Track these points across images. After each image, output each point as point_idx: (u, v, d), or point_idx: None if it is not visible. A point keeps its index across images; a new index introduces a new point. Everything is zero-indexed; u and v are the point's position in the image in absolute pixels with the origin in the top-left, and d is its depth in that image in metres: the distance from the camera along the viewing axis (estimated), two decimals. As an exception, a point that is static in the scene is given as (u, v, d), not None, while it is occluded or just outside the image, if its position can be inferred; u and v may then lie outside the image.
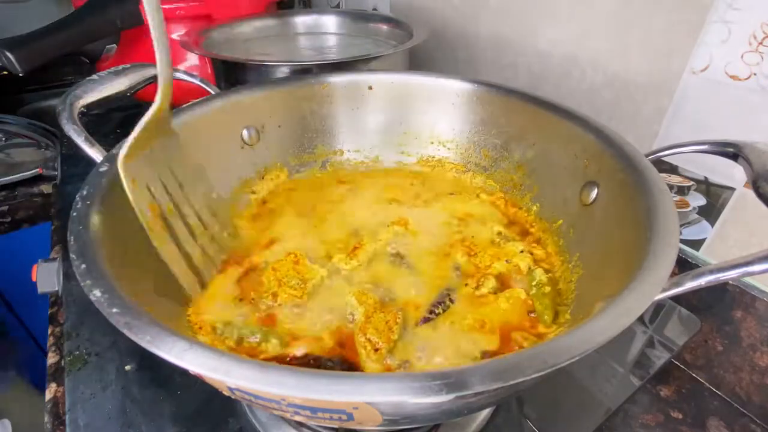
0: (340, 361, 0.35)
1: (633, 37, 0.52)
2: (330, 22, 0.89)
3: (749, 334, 0.47)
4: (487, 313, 0.38)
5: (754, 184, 0.30)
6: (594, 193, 0.42)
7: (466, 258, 0.44)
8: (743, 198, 0.46)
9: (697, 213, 0.50)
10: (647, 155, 0.39)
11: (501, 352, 0.36)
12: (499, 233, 0.47)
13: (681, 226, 0.51)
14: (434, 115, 0.58)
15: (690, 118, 0.49)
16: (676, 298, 0.52)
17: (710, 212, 0.49)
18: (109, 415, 0.40)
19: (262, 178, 0.56)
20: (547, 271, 0.43)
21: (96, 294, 0.25)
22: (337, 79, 0.57)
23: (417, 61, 0.86)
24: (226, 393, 0.24)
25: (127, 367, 0.44)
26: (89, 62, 0.93)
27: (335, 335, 0.37)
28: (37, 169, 0.80)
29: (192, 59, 0.83)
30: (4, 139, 0.92)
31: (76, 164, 0.78)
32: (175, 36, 0.81)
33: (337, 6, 1.08)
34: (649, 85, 0.51)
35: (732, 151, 0.35)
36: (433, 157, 0.59)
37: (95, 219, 0.32)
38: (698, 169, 0.49)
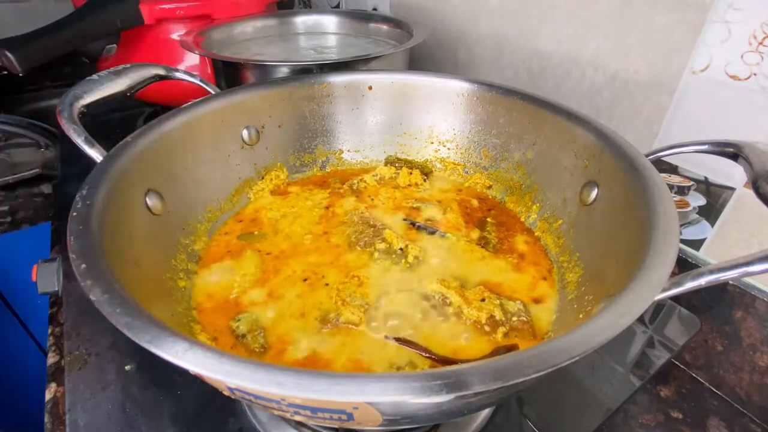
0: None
1: (633, 37, 0.52)
2: (330, 22, 0.89)
3: (749, 334, 0.47)
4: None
5: (754, 184, 0.30)
6: (594, 193, 0.42)
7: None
8: (743, 198, 0.46)
9: (697, 213, 0.50)
10: (647, 155, 0.39)
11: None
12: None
13: (681, 226, 0.51)
14: (434, 115, 0.58)
15: (690, 118, 0.49)
16: (676, 298, 0.52)
17: (710, 212, 0.49)
18: (109, 415, 0.40)
19: (262, 178, 0.56)
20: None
21: (96, 294, 0.25)
22: (337, 79, 0.57)
23: (417, 61, 0.86)
24: (226, 393, 0.24)
25: (127, 367, 0.44)
26: (89, 62, 0.93)
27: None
28: (37, 169, 0.80)
29: (192, 59, 0.83)
30: (4, 139, 0.92)
31: (76, 164, 0.78)
32: (175, 36, 0.81)
33: (337, 6, 1.08)
34: (649, 84, 0.51)
35: (732, 151, 0.35)
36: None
37: (95, 219, 0.32)
38: (698, 169, 0.49)
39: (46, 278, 0.54)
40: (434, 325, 0.39)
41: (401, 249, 0.46)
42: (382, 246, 0.46)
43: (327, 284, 0.43)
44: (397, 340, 0.37)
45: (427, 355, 0.36)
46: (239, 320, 0.39)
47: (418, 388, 0.20)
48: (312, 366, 0.35)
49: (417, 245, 0.46)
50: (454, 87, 0.55)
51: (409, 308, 0.40)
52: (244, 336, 0.38)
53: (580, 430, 0.41)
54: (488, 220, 0.51)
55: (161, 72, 0.50)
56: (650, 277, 0.26)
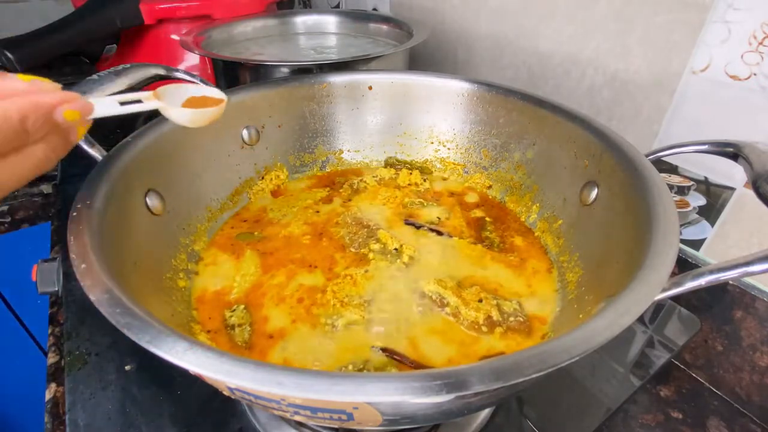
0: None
1: (633, 37, 0.52)
2: (330, 22, 0.89)
3: (749, 334, 0.47)
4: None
5: (754, 184, 0.30)
6: (594, 193, 0.42)
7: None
8: (743, 198, 0.46)
9: (697, 213, 0.50)
10: (647, 155, 0.39)
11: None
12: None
13: (681, 226, 0.51)
14: (434, 115, 0.58)
15: (690, 117, 0.49)
16: (676, 298, 0.52)
17: (710, 212, 0.49)
18: (109, 415, 0.40)
19: (262, 178, 0.56)
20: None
21: (96, 294, 0.25)
22: (337, 79, 0.57)
23: (417, 61, 0.86)
24: (226, 393, 0.24)
25: (127, 367, 0.44)
26: (89, 62, 0.93)
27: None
28: (37, 169, 0.80)
29: (192, 59, 0.83)
30: (4, 139, 0.91)
31: (76, 164, 0.78)
32: (175, 36, 0.81)
33: (337, 6, 1.08)
34: (649, 84, 0.51)
35: (732, 151, 0.35)
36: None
37: (95, 219, 0.32)
38: (698, 169, 0.49)
39: (46, 278, 0.54)
40: (431, 326, 0.39)
41: (396, 249, 0.46)
42: (376, 246, 0.46)
43: (324, 285, 0.43)
44: (384, 351, 0.37)
45: (415, 366, 0.35)
46: (234, 311, 0.40)
47: (418, 388, 0.20)
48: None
49: (413, 245, 0.46)
50: (454, 87, 0.55)
51: (405, 309, 0.40)
52: (233, 327, 0.38)
53: (580, 430, 0.41)
54: (488, 219, 0.51)
55: (161, 72, 0.50)
56: (650, 277, 0.26)
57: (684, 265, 0.51)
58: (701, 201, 0.49)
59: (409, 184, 0.57)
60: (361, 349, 0.37)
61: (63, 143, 0.27)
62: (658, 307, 0.53)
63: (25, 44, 0.65)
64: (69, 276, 0.54)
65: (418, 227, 0.50)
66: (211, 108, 0.33)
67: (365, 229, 0.49)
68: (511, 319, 0.39)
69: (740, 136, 0.42)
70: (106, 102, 0.29)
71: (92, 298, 0.25)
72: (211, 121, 0.34)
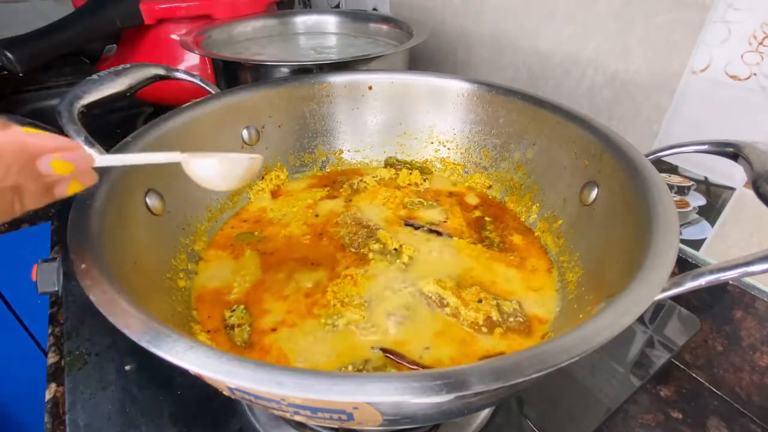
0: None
1: (633, 37, 0.52)
2: (330, 22, 0.89)
3: (749, 334, 0.47)
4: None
5: (754, 184, 0.30)
6: (594, 193, 0.42)
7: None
8: (743, 198, 0.46)
9: (697, 213, 0.50)
10: (647, 155, 0.39)
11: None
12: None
13: (681, 226, 0.51)
14: (434, 115, 0.58)
15: (690, 117, 0.49)
16: (676, 298, 0.52)
17: (710, 212, 0.49)
18: (109, 415, 0.40)
19: (262, 178, 0.56)
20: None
21: (96, 294, 0.25)
22: (337, 79, 0.57)
23: (417, 61, 0.86)
24: (226, 393, 0.24)
25: (127, 367, 0.44)
26: (89, 62, 0.93)
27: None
28: (37, 169, 0.80)
29: (192, 59, 0.83)
30: (4, 139, 0.91)
31: (76, 164, 0.78)
32: (175, 36, 0.81)
33: (337, 6, 1.08)
34: (649, 84, 0.51)
35: (732, 151, 0.35)
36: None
37: (95, 219, 0.32)
38: (698, 169, 0.49)
39: (46, 278, 0.54)
40: (431, 327, 0.39)
41: (395, 249, 0.46)
42: (376, 246, 0.46)
43: (325, 285, 0.43)
44: (384, 350, 0.36)
45: (415, 367, 0.35)
46: (233, 311, 0.40)
47: (418, 388, 0.20)
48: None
49: (412, 245, 0.46)
50: (454, 87, 0.55)
51: (404, 309, 0.40)
52: (232, 327, 0.38)
53: (580, 430, 0.41)
54: (487, 219, 0.51)
55: (161, 72, 0.50)
56: (650, 277, 0.26)
57: (684, 265, 0.51)
58: (701, 201, 0.49)
59: (409, 184, 0.57)
60: (361, 349, 0.37)
61: (41, 195, 0.23)
62: (658, 307, 0.53)
63: (25, 44, 0.65)
64: (69, 276, 0.54)
65: (418, 227, 0.50)
66: (243, 158, 0.30)
67: (365, 229, 0.49)
68: (511, 319, 0.39)
69: (740, 136, 0.41)
70: (113, 158, 0.28)
71: (92, 298, 0.25)
72: (245, 179, 0.31)
